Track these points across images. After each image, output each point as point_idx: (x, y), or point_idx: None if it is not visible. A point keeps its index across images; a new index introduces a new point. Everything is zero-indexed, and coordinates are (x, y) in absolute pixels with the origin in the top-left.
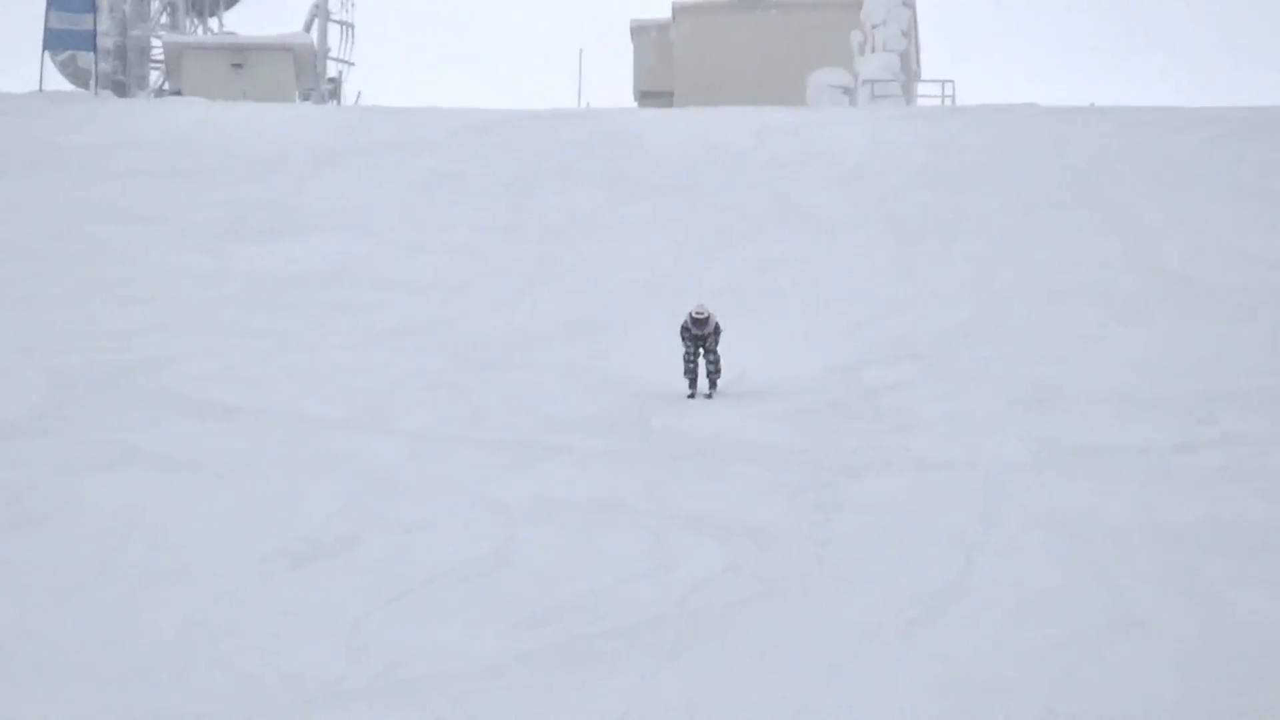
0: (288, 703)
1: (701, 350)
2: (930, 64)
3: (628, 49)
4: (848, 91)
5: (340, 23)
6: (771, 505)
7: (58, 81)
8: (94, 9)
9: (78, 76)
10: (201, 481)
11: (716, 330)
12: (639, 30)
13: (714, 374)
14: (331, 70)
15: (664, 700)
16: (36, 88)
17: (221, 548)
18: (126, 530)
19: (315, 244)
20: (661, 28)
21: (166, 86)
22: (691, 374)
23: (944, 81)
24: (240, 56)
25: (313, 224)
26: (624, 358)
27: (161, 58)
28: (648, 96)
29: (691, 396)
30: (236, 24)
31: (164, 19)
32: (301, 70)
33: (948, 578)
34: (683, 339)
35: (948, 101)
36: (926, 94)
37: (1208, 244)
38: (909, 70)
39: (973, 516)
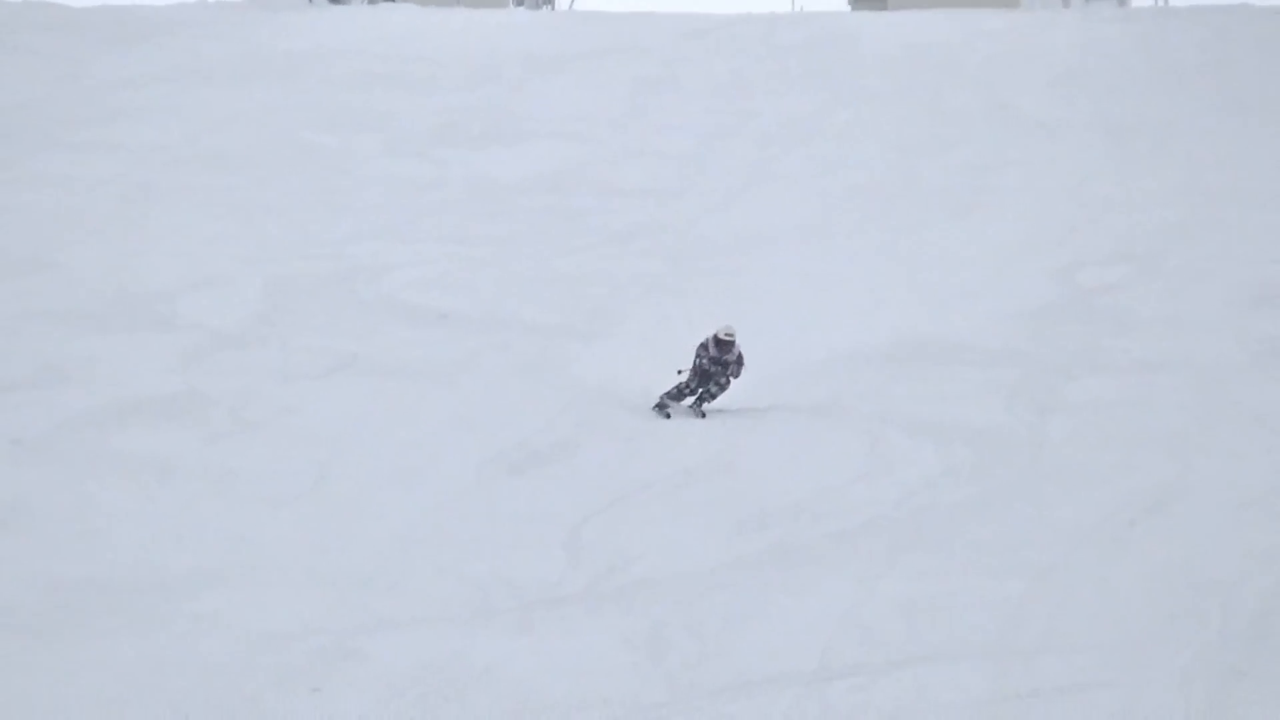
0: (508, 606)
1: (703, 389)
2: None
3: None
4: None
5: None
6: (989, 407)
7: None
8: None
9: None
10: (420, 388)
11: (739, 362)
12: None
13: (708, 398)
14: None
15: (882, 602)
16: None
17: (440, 454)
18: (345, 437)
19: (532, 150)
20: None
21: None
22: (675, 397)
23: None
24: None
25: (529, 130)
26: (843, 261)
27: None
28: (861, 0)
29: (659, 408)
30: None
31: None
32: None
33: (1165, 478)
34: (694, 369)
35: (1161, 3)
36: None
37: None
38: None
39: (1190, 417)
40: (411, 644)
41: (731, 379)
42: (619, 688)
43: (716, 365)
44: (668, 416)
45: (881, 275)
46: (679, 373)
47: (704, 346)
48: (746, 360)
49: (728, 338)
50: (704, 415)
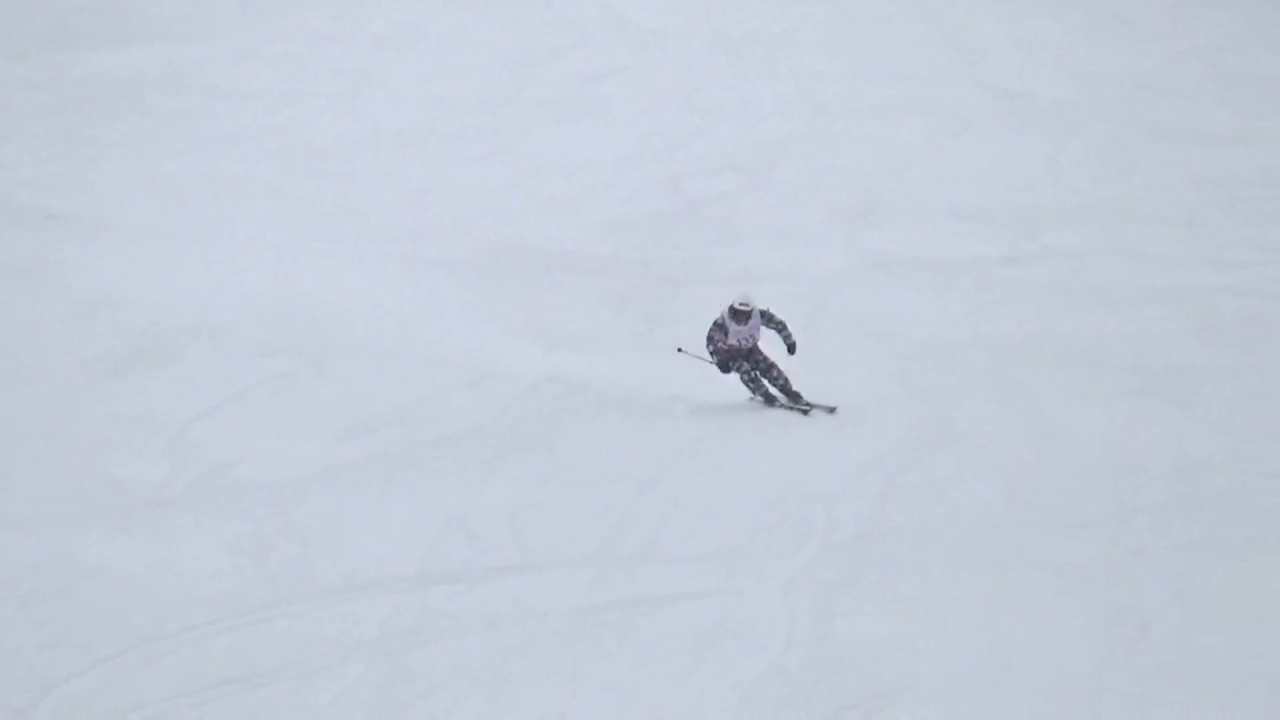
0: (111, 506)
1: (754, 368)
2: None
3: None
4: None
5: None
6: (596, 315)
7: None
8: None
9: None
10: (25, 287)
11: (772, 319)
12: None
13: (784, 385)
14: None
15: (485, 508)
16: None
17: (46, 353)
18: None
19: (142, 51)
20: None
21: None
22: (757, 385)
23: None
24: None
25: (139, 31)
26: (451, 167)
27: None
28: None
29: (770, 402)
30: None
31: None
32: None
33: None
34: (716, 354)
35: None
36: None
37: (1037, 59)
38: None
39: (796, 328)
40: (13, 543)
41: (785, 343)
42: (222, 589)
43: (743, 340)
44: (805, 412)
45: (489, 182)
46: (679, 350)
47: (718, 327)
48: (773, 314)
49: (743, 308)
50: (770, 401)
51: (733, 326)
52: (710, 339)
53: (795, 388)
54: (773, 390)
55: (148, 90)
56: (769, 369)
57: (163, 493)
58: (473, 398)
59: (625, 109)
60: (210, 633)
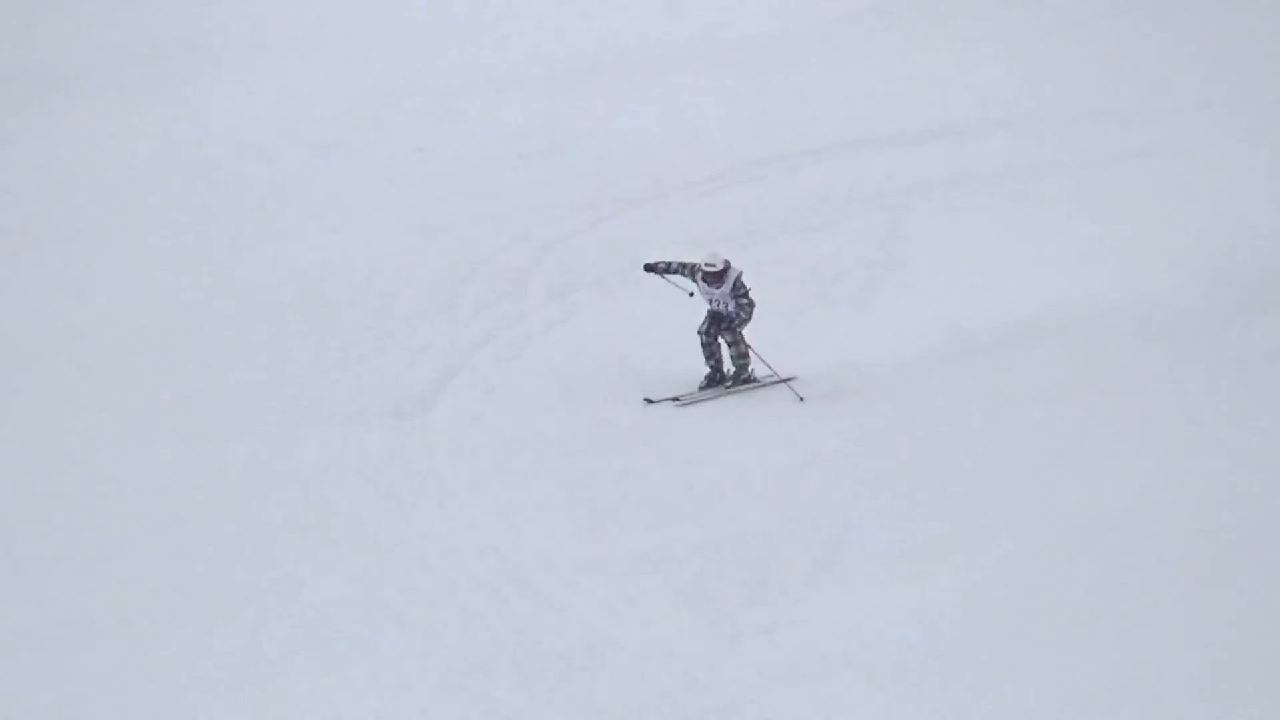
0: (610, 64)
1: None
2: None
3: None
4: None
5: None
6: None
7: None
8: None
9: None
10: None
11: (739, 292)
12: None
13: (737, 360)
14: None
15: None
16: None
17: None
18: None
19: None
20: None
21: None
22: (714, 354)
23: None
24: None
25: None
26: None
27: None
28: None
29: (723, 383)
30: None
31: None
32: None
33: None
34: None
35: None
36: None
37: None
38: None
39: None
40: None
41: (742, 315)
42: (722, 146)
43: (716, 303)
44: (722, 383)
45: None
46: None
47: (693, 272)
48: (745, 285)
49: (709, 267)
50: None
51: (703, 287)
52: (684, 266)
53: (746, 374)
54: (727, 363)
55: None
56: (735, 343)
57: (658, 49)
58: None
59: None
60: (714, 188)
